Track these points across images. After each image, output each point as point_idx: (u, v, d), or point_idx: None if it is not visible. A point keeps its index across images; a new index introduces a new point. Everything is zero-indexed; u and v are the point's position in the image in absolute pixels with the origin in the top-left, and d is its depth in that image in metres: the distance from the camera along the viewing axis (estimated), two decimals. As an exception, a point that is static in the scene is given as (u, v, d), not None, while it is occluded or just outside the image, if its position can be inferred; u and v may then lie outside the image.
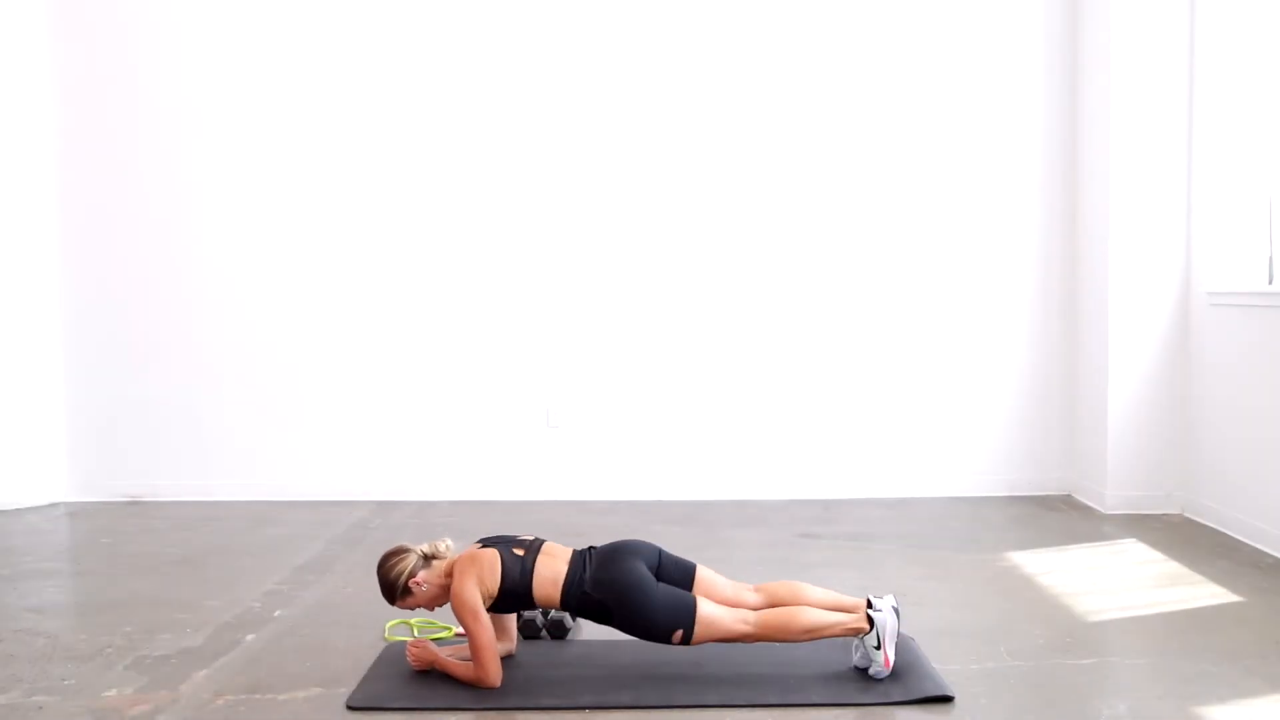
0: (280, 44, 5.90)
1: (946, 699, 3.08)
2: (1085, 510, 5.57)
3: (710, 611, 3.18)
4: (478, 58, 5.88)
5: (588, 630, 3.69)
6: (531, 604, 3.25)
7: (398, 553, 3.30)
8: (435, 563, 3.30)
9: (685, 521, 5.38)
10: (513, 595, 3.23)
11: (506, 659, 3.35)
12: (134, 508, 5.84)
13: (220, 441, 6.00)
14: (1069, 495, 5.91)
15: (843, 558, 4.67)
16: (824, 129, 5.88)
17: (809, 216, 5.91)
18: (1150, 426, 5.43)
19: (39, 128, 5.87)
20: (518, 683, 3.22)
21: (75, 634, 3.74)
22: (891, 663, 3.22)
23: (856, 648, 3.28)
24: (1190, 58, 5.31)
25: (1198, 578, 4.31)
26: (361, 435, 5.99)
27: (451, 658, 3.28)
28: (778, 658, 3.39)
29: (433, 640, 3.56)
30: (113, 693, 3.21)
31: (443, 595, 3.30)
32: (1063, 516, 5.44)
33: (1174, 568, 4.47)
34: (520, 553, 3.27)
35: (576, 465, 5.97)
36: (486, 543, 3.35)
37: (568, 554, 3.31)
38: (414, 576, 3.26)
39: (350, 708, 3.08)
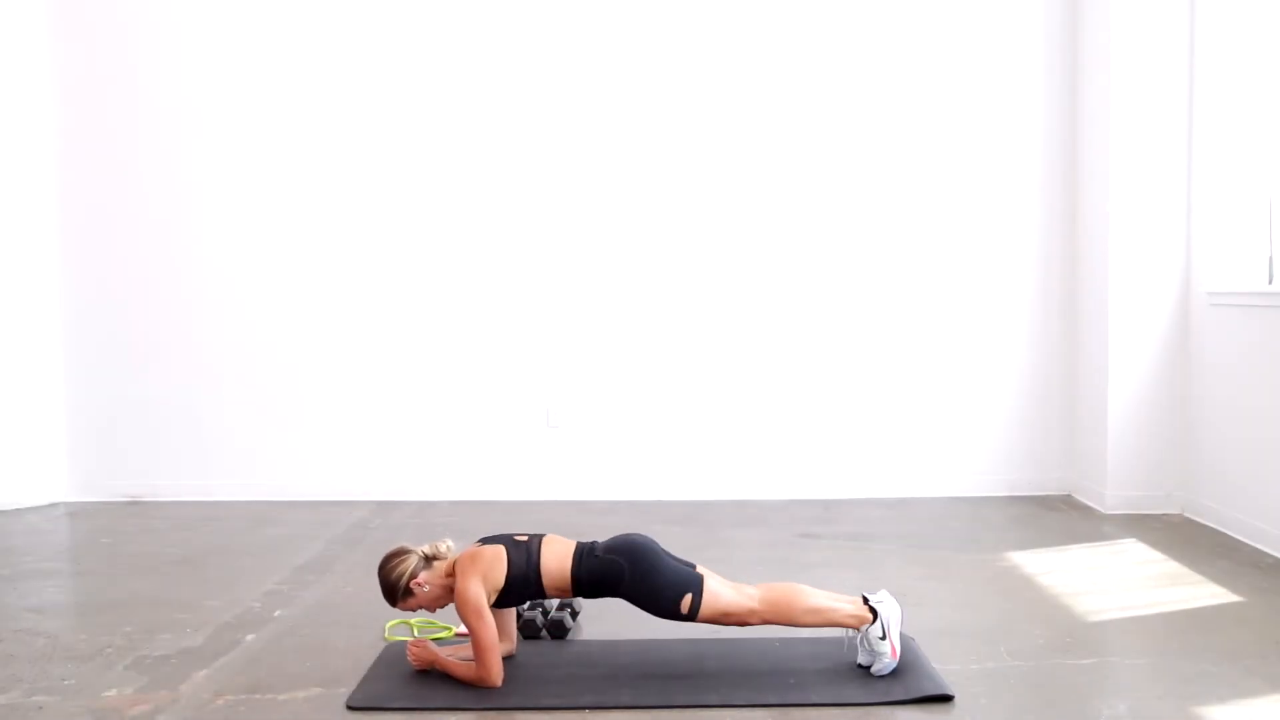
0: (280, 44, 5.90)
1: (946, 698, 3.08)
2: (1085, 510, 5.57)
3: (716, 585, 3.24)
4: (478, 59, 5.88)
5: (588, 630, 3.69)
6: (538, 589, 3.25)
7: (398, 554, 3.30)
8: (436, 563, 3.30)
9: (685, 521, 5.38)
10: (520, 581, 3.23)
11: (506, 659, 3.34)
12: (134, 508, 5.84)
13: (220, 441, 6.00)
14: (1069, 495, 5.91)
15: (843, 558, 4.67)
16: (823, 130, 5.88)
17: (809, 217, 5.91)
18: (1150, 426, 5.43)
19: (39, 128, 5.87)
20: (518, 683, 3.22)
21: (75, 634, 3.74)
22: (898, 652, 3.23)
23: (860, 645, 3.28)
24: (1190, 58, 5.31)
25: (1198, 578, 4.31)
26: (361, 435, 5.99)
27: (451, 658, 3.28)
28: (778, 657, 3.40)
29: (433, 640, 3.56)
30: (113, 693, 3.21)
31: (444, 596, 3.30)
32: (1063, 516, 5.44)
33: (1174, 568, 4.47)
34: (524, 539, 3.32)
35: (576, 465, 5.97)
36: (486, 541, 3.36)
37: (571, 542, 3.34)
38: (415, 577, 3.26)
39: (350, 708, 3.08)
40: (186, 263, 5.97)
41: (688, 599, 3.19)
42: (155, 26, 5.91)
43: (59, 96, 5.92)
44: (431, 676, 3.27)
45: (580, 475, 5.96)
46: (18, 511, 5.77)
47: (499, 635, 3.34)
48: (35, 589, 4.33)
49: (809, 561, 4.59)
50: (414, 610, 3.34)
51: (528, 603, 3.65)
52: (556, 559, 3.26)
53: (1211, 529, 5.10)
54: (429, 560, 3.30)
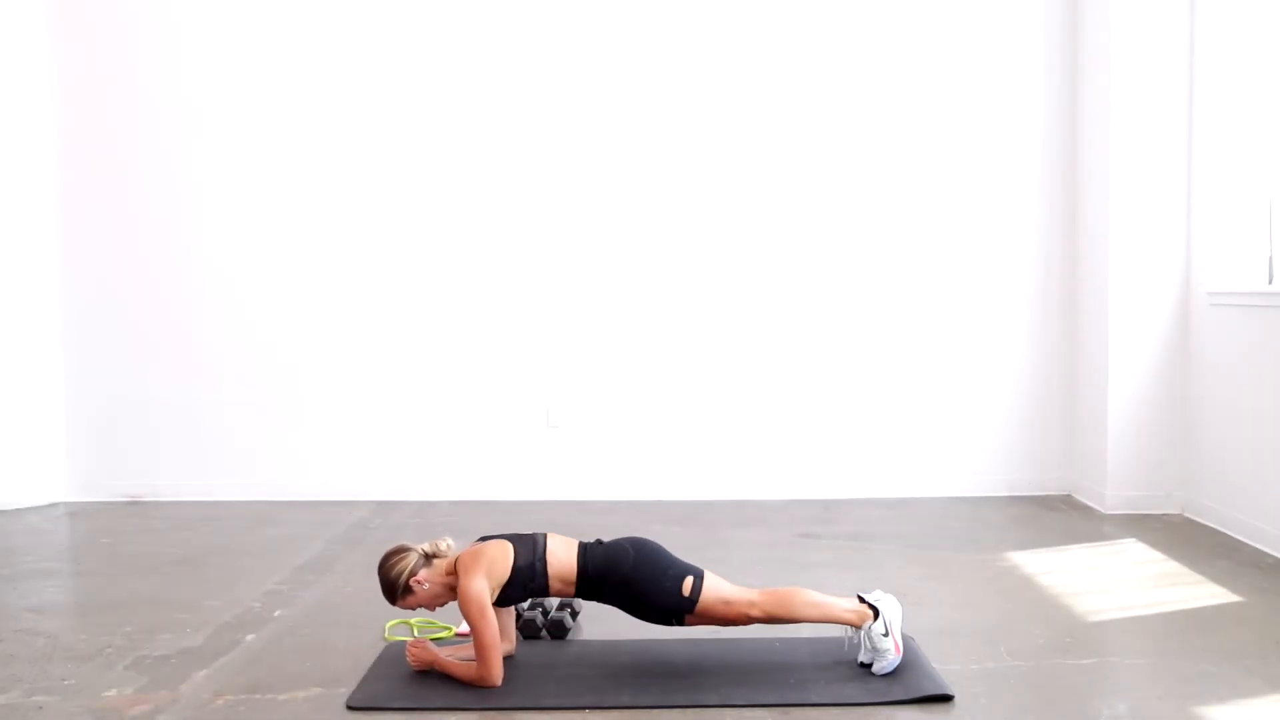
0: (280, 44, 5.90)
1: (946, 698, 3.08)
2: (1085, 510, 5.57)
3: (716, 578, 3.30)
4: (478, 60, 5.88)
5: (588, 630, 3.70)
6: (543, 582, 3.26)
7: (398, 552, 3.30)
8: (436, 561, 3.30)
9: (685, 521, 5.38)
10: (526, 573, 3.24)
11: (506, 659, 3.34)
12: (134, 508, 5.84)
13: (220, 441, 6.00)
14: (1069, 495, 5.91)
15: (843, 558, 4.67)
16: (823, 130, 5.88)
17: (808, 217, 5.91)
18: (1150, 426, 5.43)
19: (39, 128, 5.88)
20: (518, 683, 3.22)
21: (75, 634, 3.74)
22: (902, 649, 3.24)
23: (862, 643, 3.28)
24: (1190, 58, 5.31)
25: (1198, 578, 4.31)
26: (361, 435, 5.99)
27: (451, 658, 3.29)
28: (778, 657, 3.40)
29: (433, 640, 3.56)
30: (113, 693, 3.21)
31: (444, 594, 3.30)
32: (1063, 516, 5.44)
33: (1174, 568, 4.47)
34: (528, 533, 3.35)
35: (576, 465, 5.97)
36: (487, 540, 3.37)
37: (574, 540, 3.38)
38: (415, 575, 3.26)
39: (350, 708, 3.08)
40: (186, 263, 5.97)
41: (689, 580, 3.24)
42: (155, 26, 5.91)
43: (59, 96, 5.92)
44: (431, 676, 3.27)
45: (580, 475, 5.96)
46: (18, 511, 5.77)
47: (499, 634, 3.34)
48: (35, 589, 4.33)
49: (809, 561, 4.59)
50: (414, 609, 3.34)
51: (528, 602, 3.65)
52: (563, 550, 3.30)
53: (1211, 529, 5.10)
54: (429, 558, 3.30)
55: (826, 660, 3.36)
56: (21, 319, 5.83)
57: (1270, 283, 5.10)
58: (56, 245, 5.96)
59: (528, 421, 5.99)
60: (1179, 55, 5.32)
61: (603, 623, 3.74)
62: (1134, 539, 4.94)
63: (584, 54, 5.89)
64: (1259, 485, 4.78)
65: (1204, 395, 5.25)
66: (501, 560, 3.23)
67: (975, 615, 3.85)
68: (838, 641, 3.42)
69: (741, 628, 3.36)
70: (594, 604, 3.77)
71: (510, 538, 3.32)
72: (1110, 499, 5.46)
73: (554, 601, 3.77)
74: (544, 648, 3.55)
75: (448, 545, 3.34)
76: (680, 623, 3.29)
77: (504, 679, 3.20)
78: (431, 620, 3.79)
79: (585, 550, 3.31)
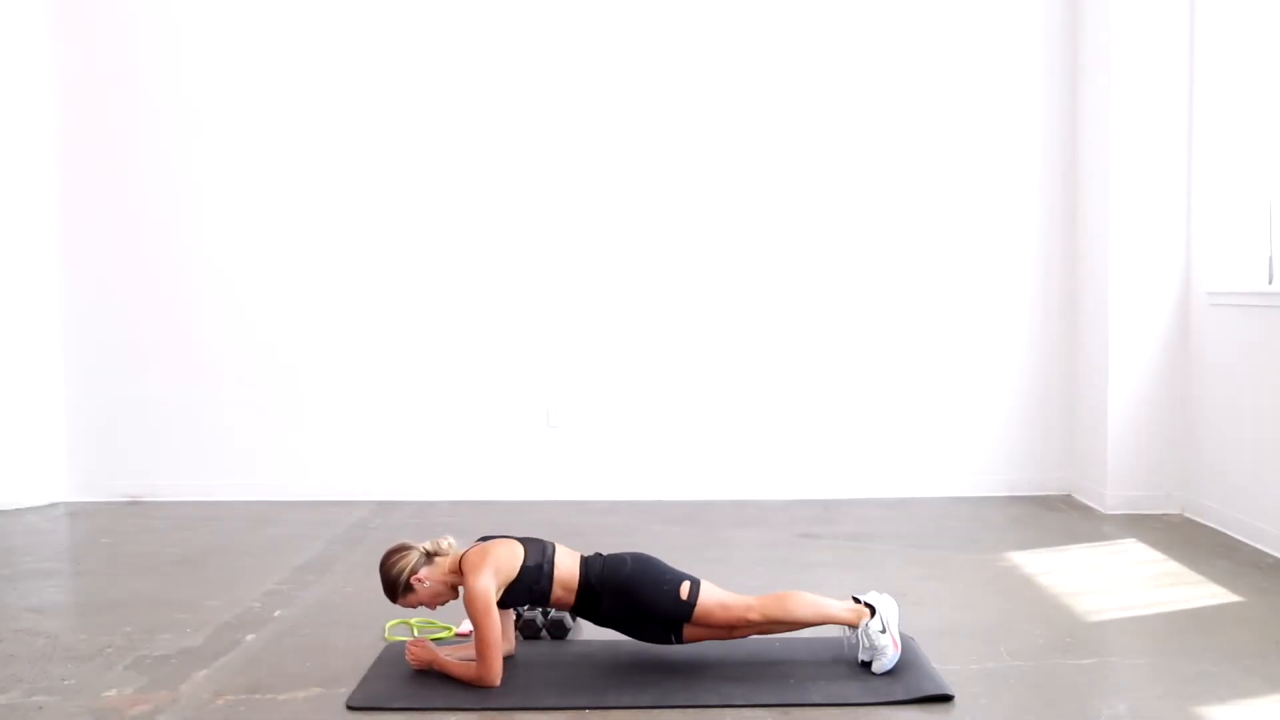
0: (280, 44, 5.90)
1: (946, 698, 3.08)
2: (1085, 510, 5.57)
3: (712, 586, 3.34)
4: (478, 60, 5.88)
5: (588, 630, 3.69)
6: (547, 586, 3.27)
7: (400, 550, 3.31)
8: (438, 560, 3.30)
9: (685, 521, 5.38)
10: (534, 573, 3.25)
11: (506, 659, 3.34)
12: (134, 508, 5.84)
13: (220, 441, 6.00)
14: (1069, 495, 5.91)
15: (843, 558, 4.67)
16: (823, 130, 5.88)
17: (809, 217, 5.91)
18: (1150, 426, 5.43)
19: (39, 128, 5.87)
20: (518, 683, 3.22)
21: (75, 634, 3.74)
22: (900, 645, 3.25)
23: (860, 641, 3.29)
24: (1190, 58, 5.31)
25: (1198, 578, 4.31)
26: (361, 435, 5.99)
27: (451, 658, 3.29)
28: (777, 658, 3.40)
29: (432, 640, 3.56)
30: (113, 693, 3.21)
31: (446, 593, 3.31)
32: (1063, 516, 5.44)
33: (1174, 568, 4.47)
34: (536, 538, 3.39)
35: (576, 465, 5.97)
36: (489, 539, 3.37)
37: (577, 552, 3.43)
38: (416, 573, 3.26)
39: (350, 708, 3.08)
40: (186, 263, 5.97)
41: (686, 585, 3.28)
42: (155, 26, 5.91)
43: (59, 96, 5.92)
44: (431, 676, 3.27)
45: (580, 475, 5.96)
46: (18, 511, 5.77)
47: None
48: (35, 589, 4.33)
49: (809, 561, 4.59)
50: (414, 607, 3.34)
51: (526, 605, 3.65)
52: (567, 559, 3.34)
53: (1211, 529, 5.09)
54: (430, 556, 3.30)
55: (826, 660, 3.36)
56: (21, 319, 5.83)
57: (1270, 283, 5.10)
58: (56, 245, 5.96)
59: (528, 421, 5.99)
60: (1179, 55, 5.32)
61: (603, 623, 3.75)
62: (1134, 539, 4.94)
63: (584, 56, 5.89)
64: (1259, 485, 4.78)
65: (1204, 395, 5.25)
66: (509, 560, 3.24)
67: (975, 615, 3.85)
68: (837, 641, 3.42)
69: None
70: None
71: (519, 539, 3.34)
72: (1110, 499, 5.46)
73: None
74: (544, 648, 3.55)
75: (449, 544, 3.35)
76: (680, 638, 3.30)
77: (504, 679, 3.20)
78: (431, 620, 3.79)
79: (586, 562, 3.35)
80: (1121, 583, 4.26)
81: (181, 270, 5.97)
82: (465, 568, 3.23)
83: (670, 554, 4.51)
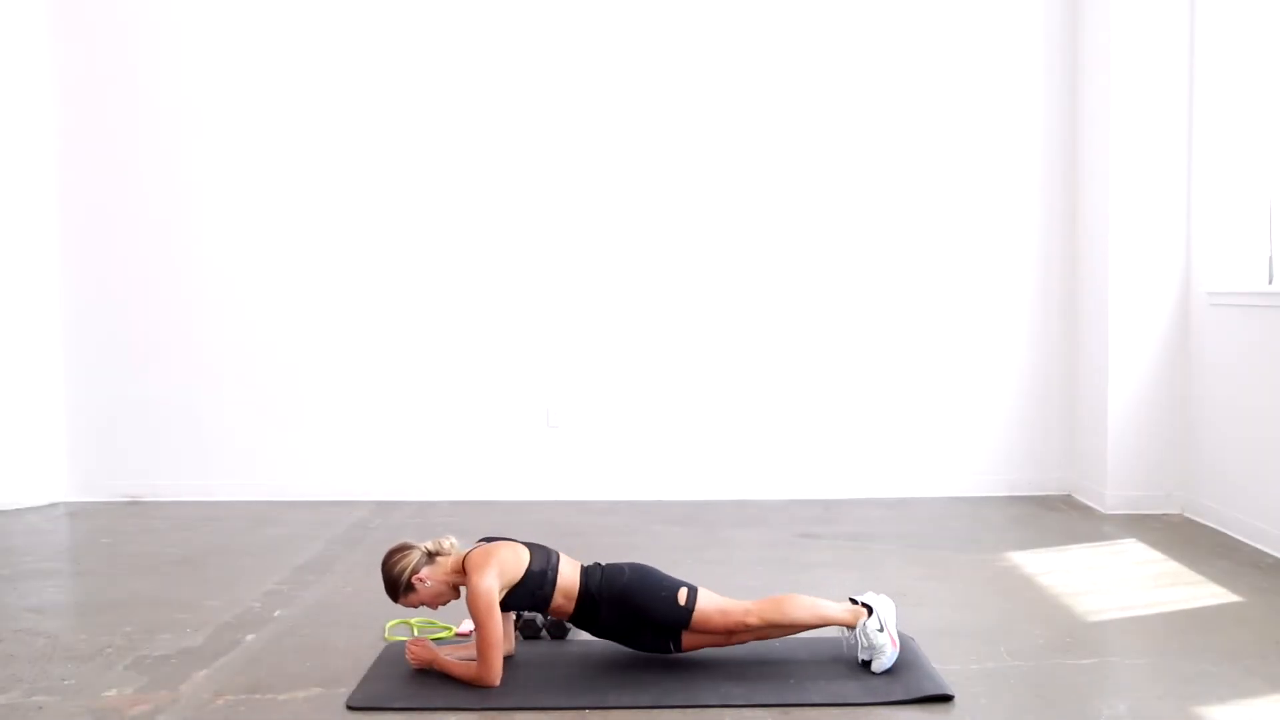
0: (280, 44, 5.90)
1: (946, 698, 3.08)
2: (1085, 510, 5.57)
3: (710, 593, 3.35)
4: (478, 59, 5.88)
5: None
6: (550, 592, 3.28)
7: (401, 549, 3.31)
8: (439, 560, 3.31)
9: (685, 521, 5.38)
10: (538, 578, 3.26)
11: (506, 659, 3.34)
12: (134, 508, 5.84)
13: (220, 441, 6.00)
14: (1069, 495, 5.91)
15: (843, 558, 4.67)
16: (824, 130, 5.88)
17: (809, 217, 5.91)
18: (1150, 426, 5.43)
19: (39, 128, 5.87)
20: (518, 683, 3.22)
21: (75, 634, 3.74)
22: (898, 643, 3.25)
23: (859, 641, 3.29)
24: (1190, 58, 5.31)
25: (1198, 578, 4.31)
26: (361, 435, 5.99)
27: (451, 657, 3.29)
28: (776, 658, 3.39)
29: (433, 640, 3.56)
30: (113, 693, 3.21)
31: (447, 593, 3.32)
32: (1063, 516, 5.44)
33: (1174, 568, 4.47)
34: (541, 544, 3.41)
35: (576, 465, 5.97)
36: (490, 540, 3.38)
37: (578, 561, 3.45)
38: (417, 573, 3.27)
39: (350, 708, 3.08)
40: (186, 263, 5.97)
41: (684, 591, 3.29)
42: (155, 26, 5.91)
43: (59, 96, 5.92)
44: (431, 676, 3.27)
45: (580, 475, 5.96)
46: (18, 511, 5.77)
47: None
48: (35, 589, 4.33)
49: (809, 561, 4.59)
50: (415, 606, 3.35)
51: (527, 609, 3.65)
52: (569, 568, 3.35)
53: (1211, 529, 5.09)
54: (431, 556, 3.31)
55: (826, 660, 3.36)
56: (21, 319, 5.83)
57: (1270, 283, 5.10)
58: (56, 245, 5.96)
59: (528, 421, 5.99)
60: (1179, 55, 5.32)
61: (603, 623, 3.75)
62: (1134, 539, 4.94)
63: (584, 57, 5.89)
64: (1259, 485, 4.78)
65: (1204, 395, 5.25)
66: (514, 562, 3.25)
67: (975, 615, 3.85)
68: (836, 641, 3.42)
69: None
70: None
71: (524, 543, 3.35)
72: (1110, 499, 5.46)
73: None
74: (544, 648, 3.55)
75: (451, 544, 3.35)
76: (678, 646, 3.31)
77: (504, 679, 3.20)
78: (432, 620, 3.79)
79: (586, 572, 3.36)
80: (1121, 583, 4.26)
81: (181, 270, 5.97)
82: (469, 567, 3.23)
83: (670, 554, 4.54)
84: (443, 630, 3.75)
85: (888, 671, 3.24)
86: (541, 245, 5.95)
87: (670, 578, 3.35)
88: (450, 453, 5.99)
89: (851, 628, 3.31)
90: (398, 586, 3.28)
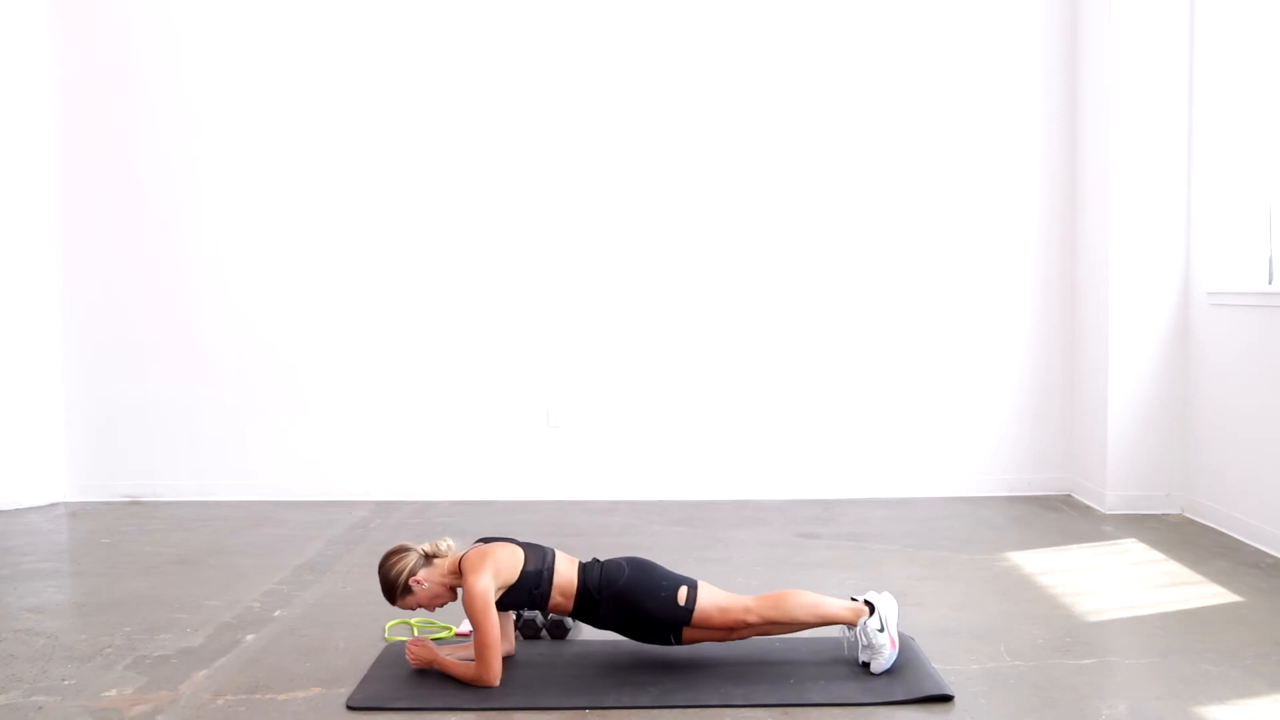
0: (280, 44, 5.90)
1: (946, 698, 3.08)
2: (1085, 510, 5.57)
3: (710, 587, 3.34)
4: (478, 59, 5.88)
5: (588, 630, 3.69)
6: (546, 591, 3.27)
7: (398, 551, 3.31)
8: (437, 561, 3.31)
9: (685, 521, 5.38)
10: (533, 578, 3.26)
11: (506, 659, 3.35)
12: (133, 508, 5.84)
13: (220, 441, 6.00)
14: (1069, 495, 5.91)
15: (843, 558, 4.67)
16: (824, 130, 5.89)
17: (809, 218, 5.91)
18: (1150, 426, 5.43)
19: (39, 127, 5.88)
20: (518, 683, 3.22)
21: (75, 634, 3.74)
22: (898, 644, 3.25)
23: (859, 641, 3.29)
24: (1190, 58, 5.31)
25: (1198, 578, 4.31)
26: (361, 435, 5.99)
27: (451, 657, 3.29)
28: (776, 658, 3.40)
29: (433, 640, 3.56)
30: (113, 693, 3.21)
31: (444, 595, 3.31)
32: (1063, 516, 5.44)
33: (1174, 568, 4.47)
34: (536, 543, 3.39)
35: (576, 465, 5.97)
36: (489, 540, 3.37)
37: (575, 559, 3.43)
38: (415, 575, 3.27)
39: (350, 708, 3.08)
40: (187, 262, 5.97)
41: (684, 590, 3.28)
42: (155, 26, 5.91)
43: (59, 96, 5.92)
44: (431, 676, 3.27)
45: (580, 475, 5.96)
46: (18, 511, 5.77)
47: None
48: (35, 589, 4.33)
49: (809, 561, 4.59)
50: (413, 609, 3.35)
51: (525, 609, 3.65)
52: (566, 566, 3.34)
53: (1211, 529, 5.10)
54: (429, 558, 3.31)
55: (826, 660, 3.36)
56: (21, 318, 5.83)
57: (1270, 283, 5.10)
58: (56, 245, 5.96)
59: (528, 421, 5.99)
60: (1179, 55, 5.32)
61: (603, 623, 3.75)
62: (1134, 539, 4.94)
63: (584, 57, 5.89)
64: (1259, 485, 4.78)
65: (1204, 395, 5.25)
66: (509, 563, 3.24)
67: (975, 615, 3.85)
68: (837, 641, 3.42)
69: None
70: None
71: (520, 544, 3.34)
72: (1110, 499, 5.47)
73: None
74: (544, 648, 3.55)
75: (448, 546, 3.35)
76: (679, 639, 3.30)
77: (504, 679, 3.20)
78: (431, 620, 3.79)
79: (584, 568, 3.35)
80: (1121, 583, 4.26)
81: (181, 270, 5.97)
82: (465, 568, 3.23)
83: (670, 554, 4.54)
84: (443, 630, 3.75)
85: (887, 671, 3.24)
86: (541, 246, 5.95)
87: (670, 575, 3.34)
88: (450, 453, 5.99)
89: (852, 626, 3.31)
90: (395, 589, 3.28)
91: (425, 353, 5.97)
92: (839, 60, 5.87)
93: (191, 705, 3.11)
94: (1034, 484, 5.95)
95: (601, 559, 3.42)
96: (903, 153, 5.89)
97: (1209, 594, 4.09)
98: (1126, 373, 5.43)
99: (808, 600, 3.30)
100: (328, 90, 5.91)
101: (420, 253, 5.95)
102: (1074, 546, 4.83)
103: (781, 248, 5.92)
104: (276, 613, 3.95)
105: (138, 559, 4.77)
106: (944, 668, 3.30)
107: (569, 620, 3.66)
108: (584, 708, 3.06)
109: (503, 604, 3.27)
